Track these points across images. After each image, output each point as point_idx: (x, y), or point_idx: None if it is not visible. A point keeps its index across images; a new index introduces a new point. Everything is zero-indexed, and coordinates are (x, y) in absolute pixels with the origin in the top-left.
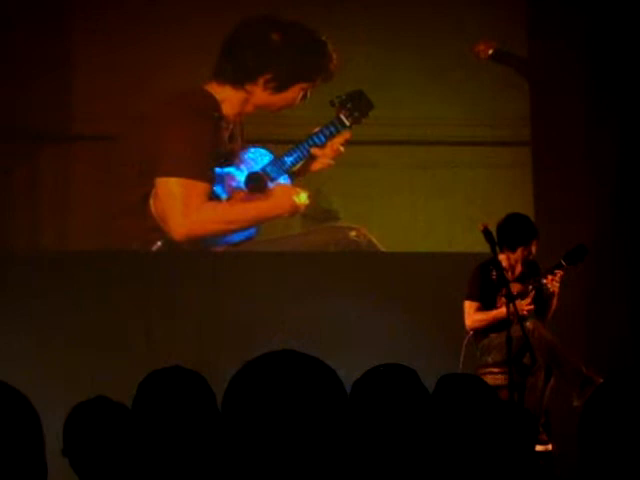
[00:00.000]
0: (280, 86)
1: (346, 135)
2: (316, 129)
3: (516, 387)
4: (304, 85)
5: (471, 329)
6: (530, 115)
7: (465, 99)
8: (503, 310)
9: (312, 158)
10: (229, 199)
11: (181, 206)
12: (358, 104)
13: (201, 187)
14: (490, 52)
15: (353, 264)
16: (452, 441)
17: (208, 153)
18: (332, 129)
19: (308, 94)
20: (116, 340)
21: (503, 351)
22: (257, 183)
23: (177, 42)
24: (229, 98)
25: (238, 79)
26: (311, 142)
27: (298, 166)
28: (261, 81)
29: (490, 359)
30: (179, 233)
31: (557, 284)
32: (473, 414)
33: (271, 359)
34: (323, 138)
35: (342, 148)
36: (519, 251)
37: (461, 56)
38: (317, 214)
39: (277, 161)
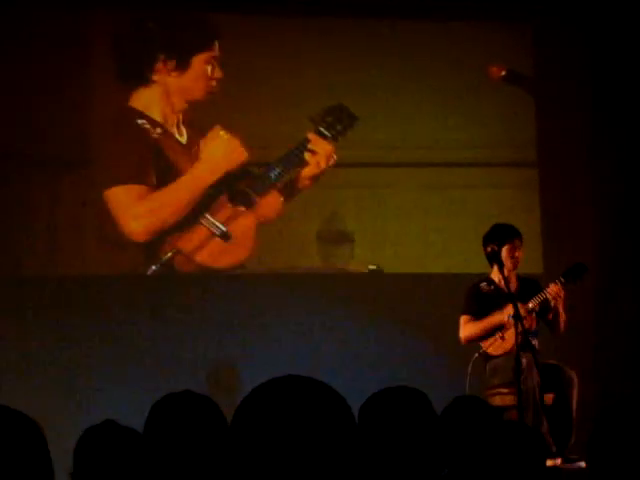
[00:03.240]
0: (179, 63)
1: (326, 147)
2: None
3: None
4: (203, 57)
5: (465, 340)
6: (537, 136)
7: (476, 121)
8: (495, 317)
9: (297, 170)
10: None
11: (128, 209)
12: (339, 117)
13: (140, 189)
14: (503, 74)
15: (366, 285)
16: (462, 465)
17: (141, 160)
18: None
19: (218, 70)
20: (125, 363)
21: (509, 373)
22: (243, 199)
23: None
24: (150, 100)
25: (140, 75)
26: (291, 156)
27: (284, 179)
28: (160, 65)
29: (497, 380)
30: (137, 233)
31: (559, 299)
32: (482, 437)
33: (279, 384)
34: (304, 150)
35: (327, 161)
36: (504, 253)
37: (471, 80)
38: (332, 235)
39: (261, 176)
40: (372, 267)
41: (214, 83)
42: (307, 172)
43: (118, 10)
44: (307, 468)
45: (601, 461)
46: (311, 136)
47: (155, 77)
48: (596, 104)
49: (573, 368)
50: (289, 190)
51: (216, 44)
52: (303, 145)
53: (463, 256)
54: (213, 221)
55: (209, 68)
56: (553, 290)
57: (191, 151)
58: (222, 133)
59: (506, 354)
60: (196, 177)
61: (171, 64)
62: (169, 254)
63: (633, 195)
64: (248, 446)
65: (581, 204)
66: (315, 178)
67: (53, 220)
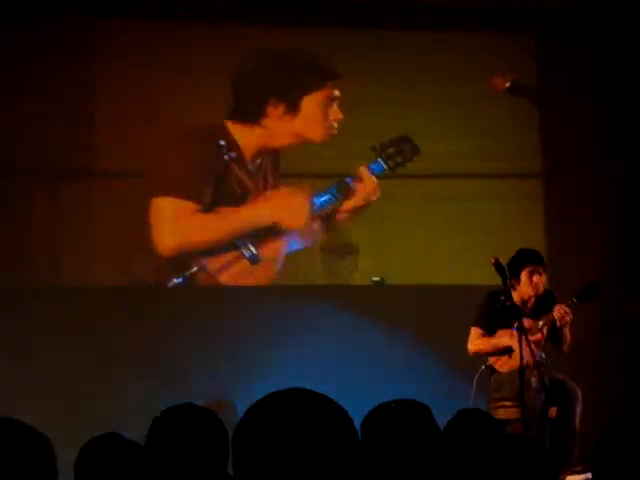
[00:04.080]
0: (290, 106)
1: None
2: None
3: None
4: (315, 97)
5: (471, 353)
6: (541, 148)
7: (481, 133)
8: (504, 340)
9: (342, 201)
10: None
11: (169, 222)
12: (402, 149)
13: (191, 206)
14: (507, 85)
15: (370, 297)
16: (466, 478)
17: (204, 176)
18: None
19: (338, 113)
20: (131, 374)
21: (515, 387)
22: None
23: (197, 81)
24: (246, 135)
25: (249, 117)
26: (342, 185)
27: (328, 209)
28: (270, 110)
29: (501, 394)
30: (166, 248)
31: (567, 318)
32: (485, 450)
33: (281, 397)
34: (351, 182)
35: (371, 195)
36: (523, 277)
37: (475, 91)
38: (336, 247)
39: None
40: (376, 279)
41: (334, 125)
42: (349, 204)
43: (120, 16)
44: None
45: (607, 473)
46: (361, 170)
47: (265, 122)
48: (601, 114)
49: (578, 381)
50: (328, 220)
51: (331, 84)
52: (352, 177)
53: (467, 267)
54: (246, 243)
55: (324, 110)
56: (560, 312)
57: (255, 177)
58: (299, 195)
59: (513, 372)
60: (254, 214)
61: (281, 108)
62: (194, 269)
63: (639, 204)
64: (249, 459)
65: (586, 215)
66: (355, 211)
67: (55, 231)
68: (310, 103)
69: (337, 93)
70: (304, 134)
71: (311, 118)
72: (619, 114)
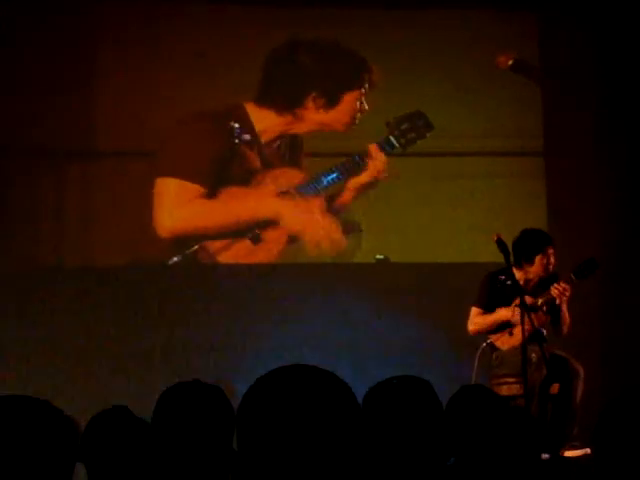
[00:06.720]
0: (330, 100)
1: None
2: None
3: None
4: (354, 94)
5: (472, 333)
6: (543, 126)
7: (484, 111)
8: (502, 313)
9: (348, 180)
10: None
11: (170, 203)
12: (415, 125)
13: (194, 189)
14: (510, 63)
15: (374, 275)
16: (469, 453)
17: (210, 158)
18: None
19: (365, 104)
20: (134, 353)
21: (517, 364)
22: None
23: (211, 62)
24: (269, 119)
25: (284, 106)
26: (350, 162)
27: (335, 186)
28: (309, 103)
29: (504, 370)
30: (164, 229)
31: (567, 294)
32: (488, 425)
33: (284, 373)
34: (362, 159)
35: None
36: (537, 261)
37: (478, 69)
38: (340, 226)
39: (313, 180)
40: (379, 257)
41: (358, 115)
42: (358, 181)
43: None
44: (312, 455)
45: (607, 447)
46: (372, 147)
47: (300, 113)
48: (603, 93)
49: (580, 360)
50: (332, 199)
51: (366, 78)
52: (360, 155)
53: (470, 245)
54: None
55: (357, 104)
56: (558, 290)
57: (268, 160)
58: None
59: (513, 349)
60: (259, 208)
61: (320, 101)
62: (194, 247)
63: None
64: (253, 434)
65: (587, 192)
66: (361, 189)
67: (60, 211)
68: (350, 99)
69: (367, 86)
70: (332, 124)
71: (346, 112)
72: (620, 94)
